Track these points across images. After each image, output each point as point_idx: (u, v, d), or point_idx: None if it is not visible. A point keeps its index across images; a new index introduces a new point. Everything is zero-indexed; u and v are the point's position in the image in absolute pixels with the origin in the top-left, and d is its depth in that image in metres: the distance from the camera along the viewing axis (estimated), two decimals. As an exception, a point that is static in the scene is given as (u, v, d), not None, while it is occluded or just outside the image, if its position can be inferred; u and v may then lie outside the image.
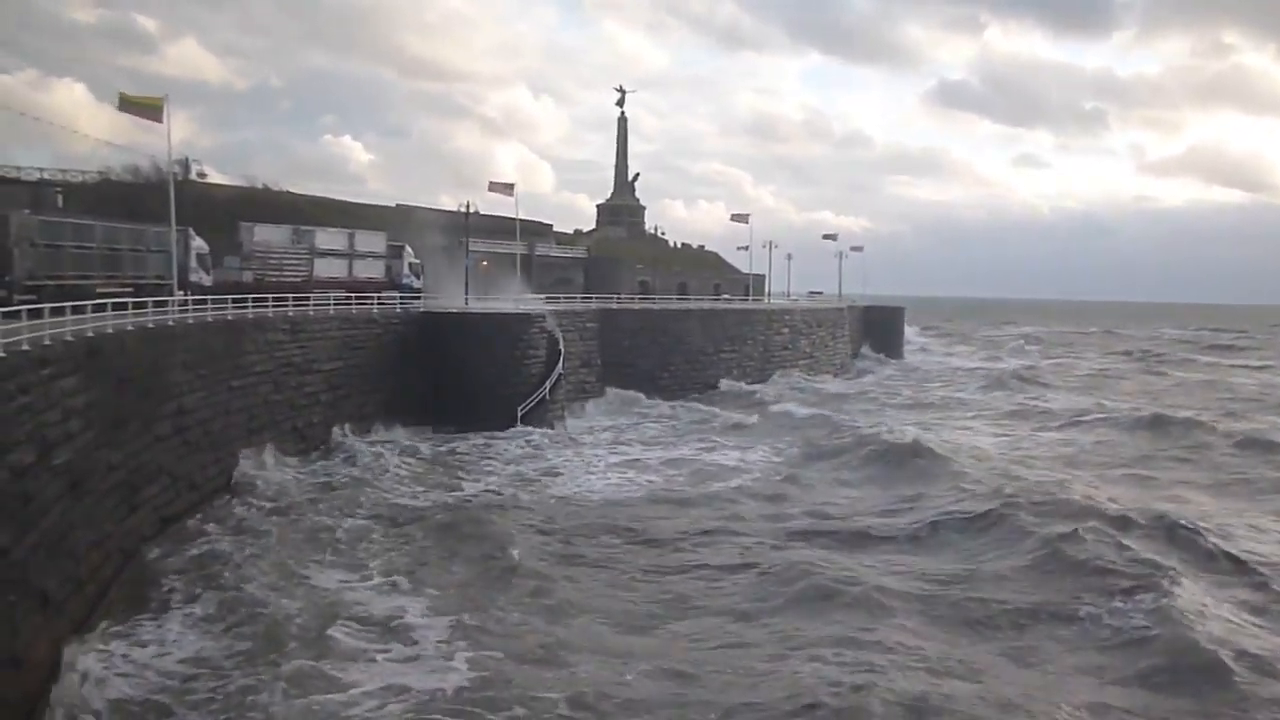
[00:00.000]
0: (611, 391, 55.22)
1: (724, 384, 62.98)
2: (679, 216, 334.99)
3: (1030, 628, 21.35)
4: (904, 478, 36.47)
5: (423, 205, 77.02)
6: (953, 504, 31.67)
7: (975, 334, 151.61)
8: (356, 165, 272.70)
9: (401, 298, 47.54)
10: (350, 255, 48.76)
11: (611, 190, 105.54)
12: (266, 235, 44.68)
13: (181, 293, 34.55)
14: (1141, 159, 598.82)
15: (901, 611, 21.87)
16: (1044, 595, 23.14)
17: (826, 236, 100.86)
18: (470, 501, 32.00)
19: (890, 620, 21.24)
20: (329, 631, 19.69)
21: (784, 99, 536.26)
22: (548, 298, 58.22)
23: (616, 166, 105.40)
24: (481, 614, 21.32)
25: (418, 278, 52.97)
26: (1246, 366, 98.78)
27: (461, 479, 35.36)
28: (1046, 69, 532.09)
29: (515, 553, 25.49)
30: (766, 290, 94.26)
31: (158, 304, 30.52)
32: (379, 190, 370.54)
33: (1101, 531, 27.22)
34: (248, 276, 42.29)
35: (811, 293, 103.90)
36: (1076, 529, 27.15)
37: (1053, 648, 20.30)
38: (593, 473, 37.75)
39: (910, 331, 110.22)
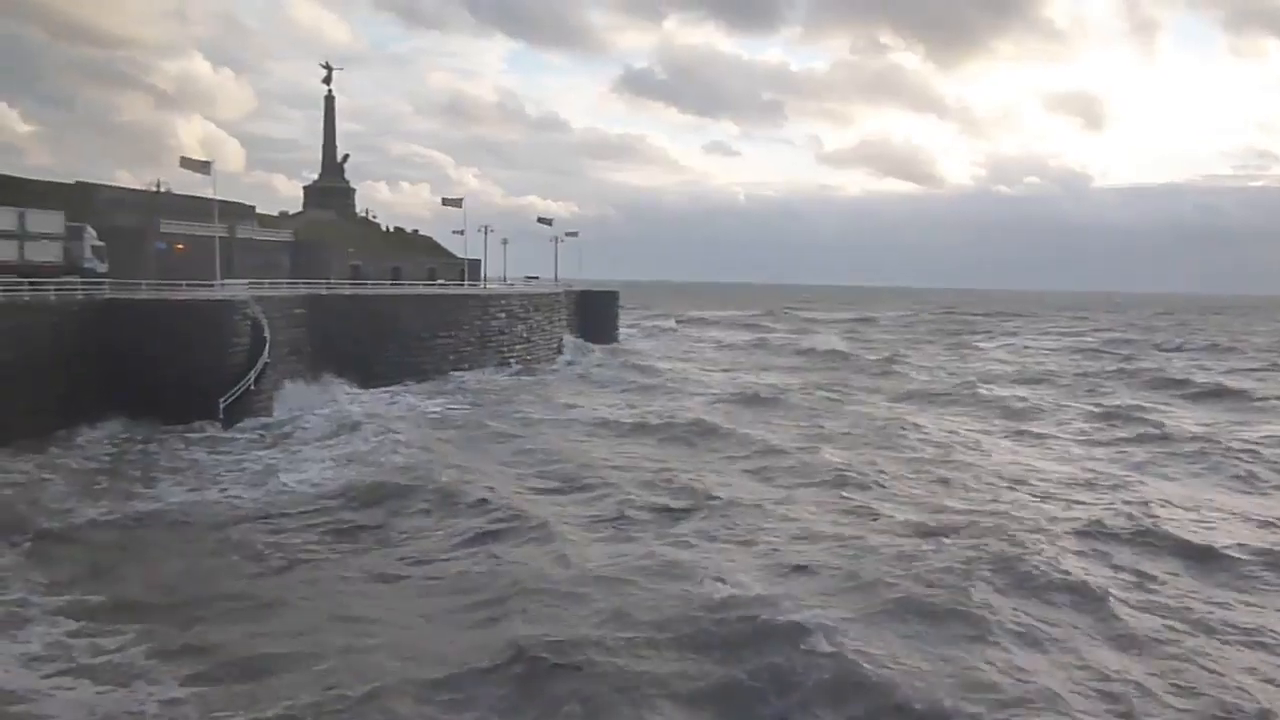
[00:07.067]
0: (323, 379, 53.38)
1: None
2: (384, 199, 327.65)
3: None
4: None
5: (106, 183, 70.94)
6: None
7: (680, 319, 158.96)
8: (13, 135, 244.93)
9: (84, 283, 43.74)
10: (21, 236, 44.27)
11: (320, 171, 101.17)
12: (-84, 214, 39.84)
13: None
14: (819, 150, 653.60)
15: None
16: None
17: (541, 220, 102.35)
18: (160, 507, 29.59)
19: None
20: None
21: (480, 81, 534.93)
22: (251, 283, 55.37)
23: (324, 147, 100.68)
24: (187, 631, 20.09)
25: (102, 261, 48.80)
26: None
27: (151, 482, 32.56)
28: (725, 61, 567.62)
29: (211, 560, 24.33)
30: (483, 275, 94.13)
31: None
32: (45, 165, 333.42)
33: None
34: (-107, 261, 37.53)
35: (528, 278, 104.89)
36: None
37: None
38: (301, 465, 36.33)
39: (624, 317, 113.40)
